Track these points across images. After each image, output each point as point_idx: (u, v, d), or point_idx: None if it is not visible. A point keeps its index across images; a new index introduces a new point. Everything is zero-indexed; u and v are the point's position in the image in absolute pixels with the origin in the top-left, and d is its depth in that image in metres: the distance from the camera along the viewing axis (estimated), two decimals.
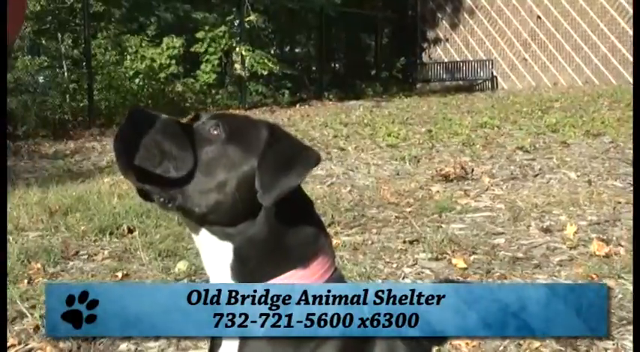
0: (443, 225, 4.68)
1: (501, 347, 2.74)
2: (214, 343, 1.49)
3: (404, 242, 4.29)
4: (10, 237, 4.79)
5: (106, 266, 4.03)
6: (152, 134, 1.36)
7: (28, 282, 3.78)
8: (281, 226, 1.40)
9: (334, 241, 4.28)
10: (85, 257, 4.31)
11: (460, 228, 4.59)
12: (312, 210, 1.51)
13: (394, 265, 3.86)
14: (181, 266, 3.85)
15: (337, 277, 1.49)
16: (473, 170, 6.57)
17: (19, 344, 2.97)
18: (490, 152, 8.00)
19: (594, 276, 3.39)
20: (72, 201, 5.73)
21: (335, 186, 6.33)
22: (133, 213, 5.06)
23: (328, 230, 4.21)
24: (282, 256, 1.41)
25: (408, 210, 5.19)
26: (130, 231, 4.77)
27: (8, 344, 2.96)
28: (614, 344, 2.65)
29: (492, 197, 5.55)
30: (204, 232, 1.42)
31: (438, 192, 5.80)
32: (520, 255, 3.93)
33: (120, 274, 3.85)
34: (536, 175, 6.41)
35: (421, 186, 6.08)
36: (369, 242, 4.34)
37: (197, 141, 1.39)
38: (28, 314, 3.27)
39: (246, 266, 1.40)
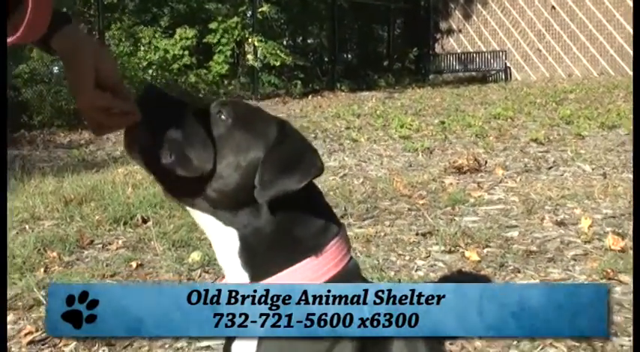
0: (456, 218, 4.68)
1: (514, 342, 2.75)
2: (228, 342, 1.51)
3: (417, 234, 4.29)
4: (26, 226, 4.84)
5: (120, 256, 4.06)
6: (165, 112, 1.39)
7: (45, 271, 3.82)
8: (288, 216, 1.40)
9: (347, 233, 4.30)
10: (100, 246, 4.35)
11: (473, 221, 4.59)
12: (321, 199, 1.50)
13: (407, 257, 3.87)
14: (195, 256, 3.88)
15: (353, 266, 1.49)
16: (486, 162, 6.56)
17: (37, 331, 3.00)
18: (503, 144, 7.98)
19: (609, 271, 3.38)
20: (87, 191, 5.77)
21: (347, 178, 6.34)
22: (147, 203, 5.09)
23: (341, 222, 4.23)
24: (294, 245, 1.40)
25: (421, 202, 5.19)
26: (144, 220, 4.81)
27: (25, 331, 2.99)
28: (629, 340, 2.65)
29: (506, 189, 5.54)
30: (208, 217, 1.43)
31: (451, 184, 5.80)
32: (534, 248, 3.92)
33: (134, 264, 3.88)
34: (550, 168, 6.39)
35: (434, 178, 6.08)
36: (382, 234, 4.34)
37: (204, 123, 1.41)
38: (45, 302, 3.30)
39: (255, 256, 1.40)
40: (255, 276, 1.41)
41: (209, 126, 1.40)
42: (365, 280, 1.55)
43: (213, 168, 1.37)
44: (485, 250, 3.90)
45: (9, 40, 1.17)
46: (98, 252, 4.21)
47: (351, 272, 1.47)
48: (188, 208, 1.46)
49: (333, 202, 5.20)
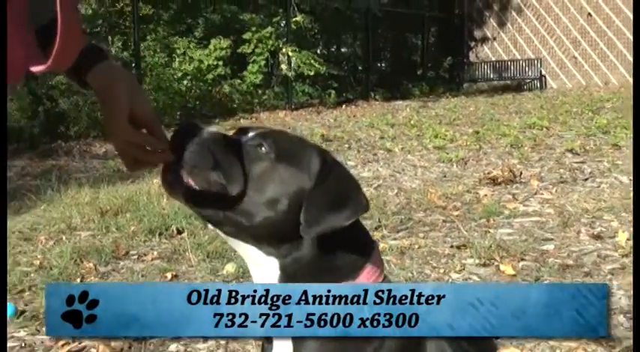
0: (491, 230, 4.64)
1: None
2: (265, 346, 1.51)
3: (451, 247, 4.28)
4: (63, 237, 4.91)
5: (155, 267, 4.10)
6: (202, 147, 1.36)
7: (81, 281, 3.86)
8: (328, 244, 1.39)
9: (381, 245, 4.30)
10: (135, 257, 4.39)
11: (508, 233, 4.55)
12: (358, 222, 1.47)
13: (441, 270, 3.85)
14: (229, 268, 3.90)
15: None
16: (521, 173, 6.51)
17: (73, 341, 3.03)
18: (539, 154, 7.91)
19: None
20: (122, 202, 5.82)
21: (382, 189, 6.33)
22: (181, 215, 5.12)
23: (375, 234, 4.23)
24: (331, 271, 1.40)
25: (456, 213, 5.16)
26: (179, 232, 4.84)
27: (63, 341, 3.03)
28: None
29: (541, 201, 5.49)
30: (249, 248, 1.42)
31: (485, 195, 5.76)
32: (570, 262, 3.88)
33: (169, 275, 3.91)
34: (587, 179, 6.32)
35: (468, 190, 6.04)
36: (416, 246, 4.33)
37: (246, 157, 1.38)
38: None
39: (294, 283, 1.40)
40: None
41: (250, 160, 1.38)
42: None
43: (257, 203, 1.36)
44: (520, 263, 3.87)
45: (37, 68, 1.20)
46: (133, 263, 4.25)
47: None
48: (227, 237, 1.45)
49: (368, 214, 5.18)
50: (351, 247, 1.42)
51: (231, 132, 1.53)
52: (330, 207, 1.35)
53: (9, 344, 3.09)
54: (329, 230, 1.34)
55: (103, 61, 1.43)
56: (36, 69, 1.19)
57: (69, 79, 1.46)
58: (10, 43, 1.13)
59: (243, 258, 1.47)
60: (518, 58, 24.34)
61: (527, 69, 24.01)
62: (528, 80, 23.86)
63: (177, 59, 15.90)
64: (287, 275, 1.40)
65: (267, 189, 1.36)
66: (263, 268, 1.42)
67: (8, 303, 3.44)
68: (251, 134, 1.45)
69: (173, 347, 2.95)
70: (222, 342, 2.91)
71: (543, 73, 23.59)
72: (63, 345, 3.02)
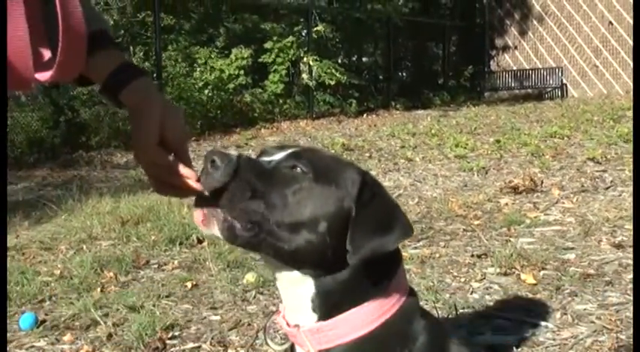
0: (512, 239, 4.62)
1: None
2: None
3: (472, 256, 4.25)
4: (84, 246, 4.94)
5: (175, 276, 4.11)
6: (235, 178, 1.31)
7: (101, 290, 3.88)
8: (368, 263, 1.37)
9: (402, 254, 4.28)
10: (156, 266, 4.41)
11: (529, 242, 4.52)
12: (399, 209, 1.47)
13: (462, 279, 3.83)
14: (249, 277, 3.90)
15: (412, 301, 1.49)
16: (542, 182, 6.47)
17: (93, 351, 3.05)
18: (560, 163, 7.86)
19: None
20: (143, 211, 5.85)
21: (402, 198, 6.31)
22: None
23: None
24: (364, 287, 1.40)
25: (476, 222, 5.14)
26: (200, 241, 4.86)
27: (83, 351, 3.04)
28: None
29: (562, 210, 5.45)
30: (286, 268, 1.40)
31: (506, 204, 5.73)
32: (591, 271, 3.84)
33: (189, 284, 3.92)
34: (608, 188, 6.27)
35: (489, 199, 6.01)
36: (437, 255, 4.31)
37: (282, 180, 1.35)
38: (102, 322, 3.35)
39: (328, 300, 1.39)
40: (323, 316, 1.41)
41: (287, 183, 1.35)
42: (423, 311, 1.54)
43: (297, 227, 1.33)
44: (541, 273, 3.83)
45: (42, 76, 1.20)
46: (154, 272, 4.27)
47: (410, 308, 1.47)
48: (263, 260, 1.45)
49: None
50: (384, 262, 1.42)
51: (258, 153, 1.50)
52: (377, 232, 1.34)
53: None
54: (376, 254, 1.33)
55: (139, 79, 1.43)
56: (41, 77, 1.20)
57: (104, 99, 1.46)
58: (22, 48, 1.14)
59: (262, 268, 1.47)
60: (540, 66, 24.23)
61: (548, 77, 23.88)
62: (549, 89, 23.74)
63: (198, 69, 15.99)
64: (322, 292, 1.39)
65: (306, 211, 1.33)
66: (297, 287, 1.41)
67: (29, 313, 3.47)
68: (282, 154, 1.41)
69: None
70: (242, 351, 2.91)
71: (564, 81, 23.46)
72: None
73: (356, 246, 1.32)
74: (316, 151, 1.48)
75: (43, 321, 3.44)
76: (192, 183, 1.39)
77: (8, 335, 3.27)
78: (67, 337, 3.24)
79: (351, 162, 1.49)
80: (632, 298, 3.37)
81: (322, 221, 1.33)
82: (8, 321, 3.43)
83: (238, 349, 2.96)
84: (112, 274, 4.17)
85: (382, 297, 1.41)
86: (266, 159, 1.42)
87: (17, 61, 1.13)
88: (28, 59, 1.15)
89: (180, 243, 4.84)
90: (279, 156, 1.41)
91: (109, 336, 3.21)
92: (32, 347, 3.17)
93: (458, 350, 1.50)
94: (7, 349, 3.13)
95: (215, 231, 1.35)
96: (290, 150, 1.43)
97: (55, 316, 3.52)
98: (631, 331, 2.98)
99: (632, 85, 21.67)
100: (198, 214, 1.37)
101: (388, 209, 1.40)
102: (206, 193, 1.34)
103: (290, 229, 1.32)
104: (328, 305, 1.40)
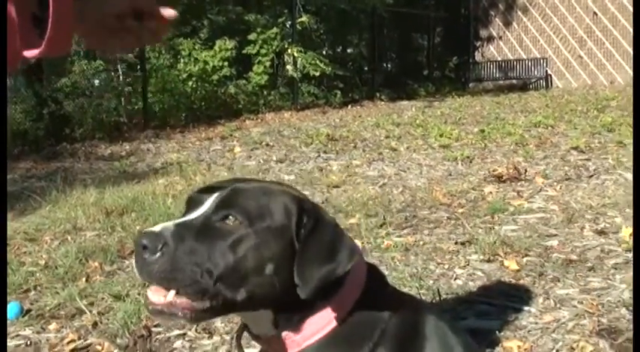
0: (495, 227, 4.65)
1: (554, 351, 2.72)
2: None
3: (456, 243, 4.28)
4: (68, 237, 4.93)
5: None
6: (171, 263, 1.28)
7: (86, 280, 3.88)
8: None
9: (385, 242, 4.31)
10: None
11: (513, 230, 4.55)
12: (343, 232, 1.45)
13: (446, 266, 3.85)
14: None
15: (374, 283, 1.50)
16: (526, 171, 6.50)
17: (79, 339, 3.06)
18: (544, 152, 7.90)
19: None
20: (127, 202, 5.85)
21: (387, 187, 6.33)
22: None
23: (379, 231, 4.24)
24: (321, 296, 1.40)
25: (460, 211, 5.17)
26: None
27: (68, 339, 3.05)
28: None
29: (546, 198, 5.49)
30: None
31: (490, 193, 5.76)
32: (574, 257, 3.88)
33: None
34: (591, 176, 6.31)
35: (473, 187, 6.04)
36: (421, 243, 4.33)
37: (218, 237, 1.32)
38: (87, 311, 3.36)
39: (287, 317, 1.41)
40: (284, 328, 1.42)
41: (223, 239, 1.32)
42: (391, 291, 1.55)
43: (246, 277, 1.32)
44: (524, 259, 3.87)
45: (30, 53, 1.20)
46: None
47: (373, 292, 1.48)
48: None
49: (373, 211, 5.21)
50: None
51: (186, 204, 1.45)
52: (324, 261, 1.33)
53: (15, 342, 3.11)
54: (327, 281, 1.34)
55: None
56: (29, 54, 1.20)
57: None
58: (9, 27, 1.14)
59: None
60: (524, 57, 24.31)
61: (532, 68, 23.96)
62: (534, 79, 23.81)
63: (182, 60, 15.94)
64: (280, 315, 1.41)
65: (250, 260, 1.32)
66: (254, 315, 1.42)
67: (14, 302, 3.46)
68: (210, 203, 1.37)
69: (178, 343, 2.96)
70: (227, 338, 2.92)
71: (549, 72, 23.54)
72: (68, 343, 3.03)
73: (304, 280, 1.31)
74: (244, 189, 1.41)
75: (29, 310, 3.44)
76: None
77: None
78: (53, 326, 3.24)
79: (285, 189, 1.46)
80: (615, 284, 3.41)
81: (268, 263, 1.33)
82: None
83: (223, 336, 2.97)
84: (96, 264, 4.16)
85: (340, 294, 1.42)
86: (194, 214, 1.37)
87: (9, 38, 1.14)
88: (15, 36, 1.15)
89: None
90: (207, 205, 1.37)
91: (95, 325, 3.22)
92: (18, 335, 3.17)
93: (435, 325, 1.51)
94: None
95: (181, 321, 1.35)
96: (217, 198, 1.38)
97: (40, 305, 3.52)
98: (612, 315, 3.02)
99: (617, 75, 21.80)
100: (155, 312, 1.34)
101: (331, 234, 1.38)
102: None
103: (239, 281, 1.31)
104: (288, 320, 1.42)
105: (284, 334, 1.42)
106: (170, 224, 1.32)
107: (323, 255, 1.33)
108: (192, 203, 1.42)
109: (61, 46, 1.22)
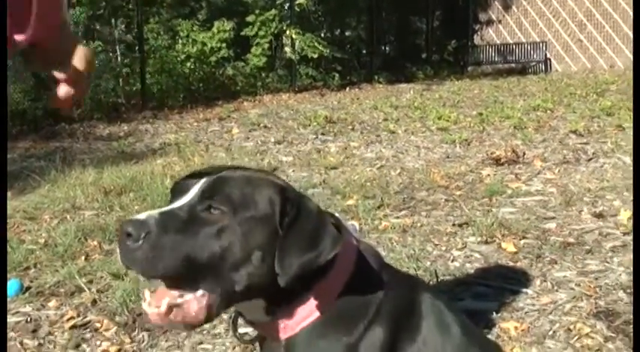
0: (493, 209, 4.66)
1: (551, 332, 2.74)
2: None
3: (453, 225, 4.29)
4: (67, 216, 4.94)
5: None
6: (154, 253, 1.28)
7: (85, 259, 3.90)
8: None
9: (383, 223, 4.32)
10: None
11: (510, 212, 4.57)
12: (326, 220, 1.44)
13: (443, 248, 3.87)
14: None
15: (364, 264, 1.51)
16: (524, 153, 6.51)
17: (78, 316, 3.08)
18: (542, 135, 7.90)
19: None
20: (126, 182, 5.86)
21: (384, 169, 6.34)
22: None
23: (377, 212, 4.24)
24: (311, 279, 1.42)
25: (458, 193, 5.18)
26: None
27: (68, 316, 3.06)
28: None
29: (544, 181, 5.50)
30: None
31: (488, 175, 5.77)
32: (571, 240, 3.89)
33: None
34: (590, 159, 6.32)
35: (471, 170, 6.05)
36: (419, 224, 4.35)
37: (203, 227, 1.33)
38: (86, 289, 3.37)
39: (279, 304, 1.42)
40: (277, 314, 1.44)
41: (208, 228, 1.32)
42: (386, 270, 1.56)
43: (236, 266, 1.33)
44: (522, 241, 3.88)
45: (19, 37, 1.21)
46: None
47: (365, 272, 1.49)
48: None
49: (370, 193, 5.22)
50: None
51: (171, 192, 1.46)
52: (306, 249, 1.33)
53: (15, 318, 3.12)
54: (307, 270, 1.34)
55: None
56: (19, 37, 1.20)
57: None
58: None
59: None
60: (523, 41, 24.22)
61: (532, 52, 23.87)
62: (533, 63, 23.74)
63: (180, 41, 15.89)
64: (271, 303, 1.43)
65: (234, 248, 1.33)
66: (248, 304, 1.43)
67: (15, 279, 3.48)
68: (195, 192, 1.37)
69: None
70: (225, 316, 2.93)
71: (548, 56, 23.47)
72: (68, 320, 3.05)
73: (284, 268, 1.32)
74: (229, 178, 1.41)
75: (29, 288, 3.46)
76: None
77: None
78: (53, 303, 3.26)
79: (269, 178, 1.46)
80: (613, 267, 3.43)
81: (254, 252, 1.33)
82: None
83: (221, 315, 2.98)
84: (95, 243, 4.18)
85: (330, 278, 1.43)
86: (179, 203, 1.37)
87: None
88: (5, 19, 1.15)
89: None
90: (192, 193, 1.37)
91: (94, 302, 3.24)
92: (18, 312, 3.19)
93: (431, 303, 1.52)
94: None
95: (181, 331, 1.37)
96: (202, 186, 1.38)
97: (40, 283, 3.53)
98: (610, 297, 3.04)
99: (617, 58, 21.77)
100: (156, 317, 1.34)
101: (313, 223, 1.38)
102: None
103: (226, 271, 1.32)
104: (280, 307, 1.43)
105: (277, 320, 1.44)
106: (155, 212, 1.32)
107: (304, 244, 1.34)
108: (177, 191, 1.42)
109: (49, 25, 1.22)
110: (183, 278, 1.31)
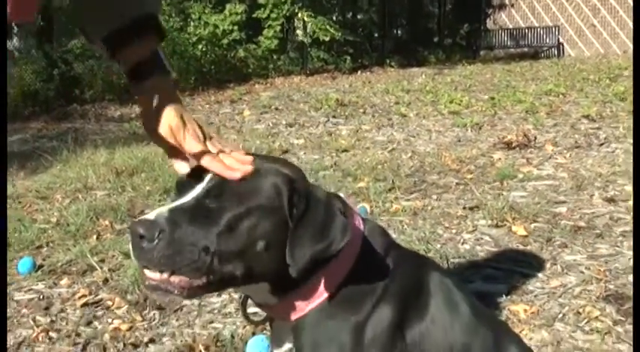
0: (504, 193, 4.65)
1: (560, 315, 2.74)
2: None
3: (464, 208, 4.29)
4: (79, 195, 4.98)
5: None
6: (169, 246, 1.28)
7: (97, 238, 3.92)
8: None
9: (394, 206, 4.33)
10: None
11: (521, 196, 4.56)
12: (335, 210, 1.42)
13: (453, 231, 3.87)
14: None
15: (370, 242, 1.51)
16: (536, 138, 6.49)
17: (90, 294, 3.10)
18: (554, 120, 7.87)
19: None
20: (137, 163, 5.89)
21: (396, 152, 6.33)
22: None
23: (388, 195, 4.24)
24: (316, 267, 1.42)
25: (469, 176, 5.17)
26: None
27: (80, 294, 3.09)
28: None
29: (555, 165, 5.49)
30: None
31: (499, 159, 5.76)
32: (582, 224, 3.88)
33: None
34: (602, 144, 6.29)
35: (483, 154, 6.04)
36: (429, 207, 4.35)
37: (210, 216, 1.33)
38: (98, 268, 3.40)
39: (285, 287, 1.42)
40: (284, 296, 1.44)
41: (216, 219, 1.32)
42: (393, 249, 1.55)
43: (241, 254, 1.33)
44: (532, 225, 3.88)
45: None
46: None
47: (371, 251, 1.49)
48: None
49: (381, 175, 5.22)
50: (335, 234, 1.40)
51: (176, 187, 1.46)
52: (315, 242, 1.34)
53: (28, 296, 3.15)
54: (317, 260, 1.35)
55: (151, 78, 1.51)
56: None
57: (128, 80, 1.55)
58: None
59: None
60: (536, 25, 24.12)
61: (544, 36, 23.78)
62: (546, 48, 23.64)
63: (192, 24, 15.89)
64: (277, 287, 1.43)
65: (242, 237, 1.33)
66: (254, 288, 1.44)
67: (27, 257, 3.51)
68: (202, 185, 1.37)
69: (187, 301, 2.99)
70: (235, 296, 2.95)
71: (561, 40, 23.37)
72: (80, 298, 3.08)
73: (295, 260, 1.32)
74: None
75: (41, 266, 3.49)
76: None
77: (7, 278, 3.32)
78: (65, 281, 3.29)
79: (277, 168, 1.43)
80: (623, 251, 3.43)
81: (260, 241, 1.33)
82: (8, 266, 3.47)
83: (232, 294, 3.00)
84: (107, 222, 4.20)
85: (336, 261, 1.42)
86: (187, 197, 1.37)
87: None
88: None
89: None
90: (199, 186, 1.38)
91: (105, 281, 3.26)
92: (31, 290, 3.22)
93: (440, 281, 1.52)
94: (7, 291, 3.17)
95: (177, 298, 1.38)
96: (209, 179, 1.38)
97: (52, 261, 3.56)
98: (619, 281, 3.04)
99: (630, 44, 21.62)
100: (151, 288, 1.35)
101: (322, 215, 1.37)
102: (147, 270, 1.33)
103: (234, 258, 1.33)
104: (286, 289, 1.43)
105: (285, 302, 1.44)
106: (164, 210, 1.32)
107: (315, 236, 1.34)
108: (184, 184, 1.43)
109: (25, 11, 1.22)
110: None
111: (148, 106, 1.50)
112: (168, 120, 1.47)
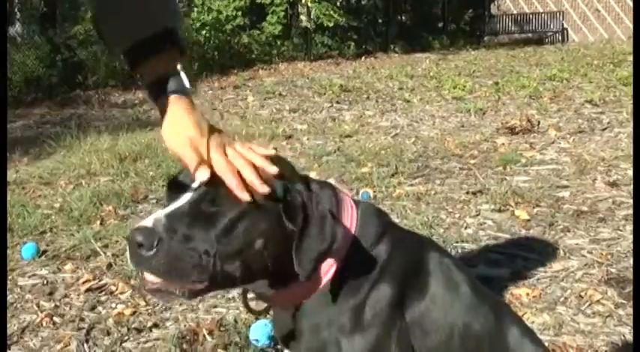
0: (507, 177, 4.65)
1: (562, 298, 2.75)
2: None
3: (467, 193, 4.29)
4: (82, 181, 4.99)
5: None
6: (168, 256, 1.28)
7: (101, 223, 3.94)
8: None
9: (397, 191, 4.33)
10: (154, 201, 4.46)
11: (524, 181, 4.56)
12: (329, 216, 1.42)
13: (456, 215, 3.88)
14: None
15: (365, 228, 1.51)
16: (539, 123, 6.48)
17: (94, 279, 3.12)
18: (558, 105, 7.85)
19: None
20: (141, 148, 5.90)
21: (399, 138, 6.34)
22: None
23: (391, 180, 4.25)
24: None
25: (472, 161, 5.17)
26: None
27: (83, 279, 3.11)
28: None
29: (558, 150, 5.48)
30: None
31: (503, 144, 5.75)
32: (585, 208, 3.89)
33: None
34: (605, 129, 6.28)
35: (486, 139, 6.04)
36: (433, 192, 4.35)
37: (206, 218, 1.33)
38: (102, 253, 3.41)
39: (282, 281, 1.43)
40: (281, 287, 1.45)
41: (215, 222, 1.33)
42: (389, 232, 1.55)
43: (239, 254, 1.33)
44: (535, 209, 3.88)
45: None
46: (152, 207, 4.31)
47: (367, 236, 1.49)
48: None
49: (384, 161, 5.22)
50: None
51: (168, 188, 1.45)
52: (317, 247, 1.35)
53: (32, 281, 3.17)
54: (321, 260, 1.38)
55: (172, 94, 1.49)
56: None
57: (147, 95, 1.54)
58: None
59: None
60: (540, 10, 23.99)
61: (549, 22, 23.66)
62: (550, 33, 23.53)
63: (196, 9, 15.84)
64: (275, 281, 1.43)
65: (239, 237, 1.34)
66: (254, 283, 1.45)
67: (31, 243, 3.53)
68: (195, 188, 1.36)
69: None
70: None
71: (565, 26, 23.25)
72: (84, 283, 3.09)
73: (304, 267, 1.34)
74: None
75: (45, 251, 3.50)
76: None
77: (11, 264, 3.34)
78: (68, 266, 3.30)
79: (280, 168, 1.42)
80: (625, 235, 3.43)
81: (257, 240, 1.34)
82: (12, 251, 3.49)
83: None
84: (110, 208, 4.22)
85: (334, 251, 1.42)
86: (182, 200, 1.35)
87: None
88: None
89: None
90: (193, 189, 1.37)
91: (109, 266, 3.28)
92: (34, 275, 3.24)
93: (439, 261, 1.52)
94: (11, 277, 3.19)
95: (179, 299, 1.38)
96: (202, 181, 1.37)
97: (56, 247, 3.58)
98: (622, 264, 3.05)
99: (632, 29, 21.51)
100: (152, 291, 1.35)
101: (319, 221, 1.37)
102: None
103: (235, 258, 1.33)
104: (285, 282, 1.43)
105: (284, 293, 1.46)
106: (161, 215, 1.31)
107: (316, 243, 1.35)
108: (177, 186, 1.41)
109: None
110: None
111: (165, 117, 1.50)
112: (187, 131, 1.47)
